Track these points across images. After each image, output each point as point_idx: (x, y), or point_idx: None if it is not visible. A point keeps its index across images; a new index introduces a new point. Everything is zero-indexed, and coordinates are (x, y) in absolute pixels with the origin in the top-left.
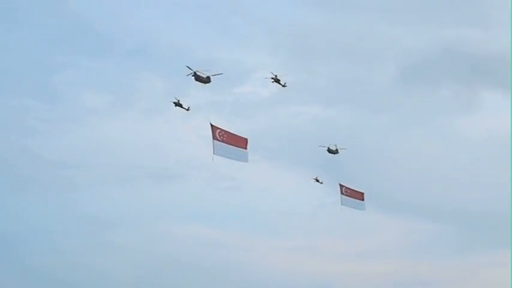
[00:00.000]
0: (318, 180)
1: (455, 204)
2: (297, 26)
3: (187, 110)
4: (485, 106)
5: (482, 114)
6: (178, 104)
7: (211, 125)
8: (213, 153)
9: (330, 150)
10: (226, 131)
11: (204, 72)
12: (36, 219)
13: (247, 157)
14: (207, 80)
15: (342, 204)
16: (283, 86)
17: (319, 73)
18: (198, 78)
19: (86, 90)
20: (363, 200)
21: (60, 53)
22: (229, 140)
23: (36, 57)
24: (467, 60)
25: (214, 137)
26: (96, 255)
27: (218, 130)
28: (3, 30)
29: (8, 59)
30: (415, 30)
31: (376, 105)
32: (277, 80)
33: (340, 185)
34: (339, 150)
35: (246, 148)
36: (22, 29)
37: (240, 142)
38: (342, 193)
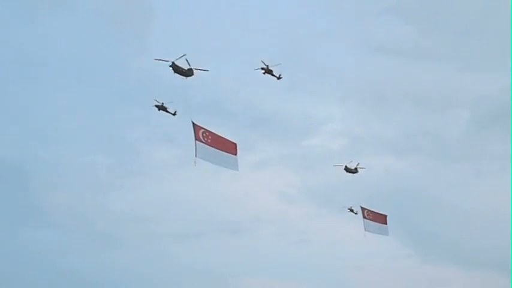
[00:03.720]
0: (352, 211)
1: None
2: (365, 75)
3: (174, 114)
4: None
5: None
6: (162, 108)
7: (193, 123)
8: (195, 156)
9: (347, 169)
10: (212, 132)
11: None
12: (125, 272)
13: (237, 164)
14: (188, 73)
15: (365, 230)
16: (278, 78)
17: (390, 123)
18: (177, 70)
19: (156, 144)
20: (385, 223)
21: (130, 108)
22: (215, 143)
23: (106, 112)
24: None
25: (196, 138)
26: None
27: (202, 130)
28: (75, 87)
29: (79, 115)
30: (485, 76)
31: (449, 154)
32: (269, 71)
33: (362, 208)
34: (358, 170)
35: (235, 154)
36: (92, 85)
37: (228, 146)
38: (364, 217)
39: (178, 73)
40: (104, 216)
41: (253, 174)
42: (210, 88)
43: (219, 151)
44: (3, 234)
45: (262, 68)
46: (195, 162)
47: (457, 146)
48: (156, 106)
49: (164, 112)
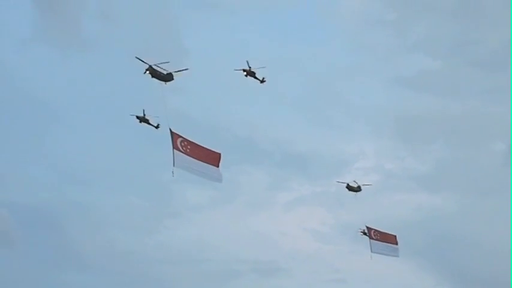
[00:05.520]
0: (365, 233)
1: None
2: (396, 111)
3: (157, 127)
4: None
5: None
6: (143, 120)
7: (171, 131)
8: (173, 165)
9: (350, 188)
10: (191, 142)
11: (163, 68)
12: None
13: (221, 176)
14: (168, 78)
15: (372, 252)
16: (262, 81)
17: (423, 158)
18: (155, 74)
19: (189, 185)
20: (396, 243)
21: (162, 149)
22: (194, 153)
23: (138, 153)
24: None
25: (174, 146)
26: None
27: (180, 139)
28: (107, 129)
29: (112, 157)
30: None
31: (484, 187)
32: (251, 73)
33: (368, 228)
34: (362, 188)
35: (217, 166)
36: (124, 126)
37: (209, 157)
38: (371, 237)
39: (156, 77)
40: (141, 258)
41: (287, 213)
42: (241, 127)
43: (199, 161)
44: (43, 279)
45: (244, 70)
46: (173, 172)
47: (492, 179)
48: (137, 117)
49: (146, 124)
